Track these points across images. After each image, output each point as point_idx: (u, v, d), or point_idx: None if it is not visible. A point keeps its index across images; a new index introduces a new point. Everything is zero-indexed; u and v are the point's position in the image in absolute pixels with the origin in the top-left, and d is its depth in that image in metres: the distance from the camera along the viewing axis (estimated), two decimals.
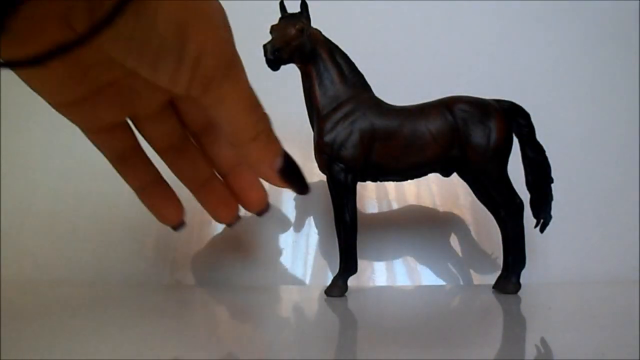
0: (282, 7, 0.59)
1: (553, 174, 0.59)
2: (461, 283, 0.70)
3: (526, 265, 0.58)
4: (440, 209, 0.76)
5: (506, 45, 0.85)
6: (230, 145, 0.23)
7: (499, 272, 0.61)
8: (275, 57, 0.55)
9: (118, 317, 0.47)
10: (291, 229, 0.74)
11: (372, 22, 0.85)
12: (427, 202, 0.76)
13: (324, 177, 0.60)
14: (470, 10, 0.86)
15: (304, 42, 0.56)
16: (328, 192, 0.59)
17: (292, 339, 0.39)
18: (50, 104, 0.22)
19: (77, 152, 0.76)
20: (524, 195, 0.59)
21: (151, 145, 0.26)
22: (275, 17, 0.58)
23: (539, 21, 0.86)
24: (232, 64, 0.20)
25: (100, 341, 0.38)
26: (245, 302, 0.57)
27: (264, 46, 0.55)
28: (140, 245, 0.73)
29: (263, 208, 0.27)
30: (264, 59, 0.54)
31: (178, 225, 0.28)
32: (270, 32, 0.57)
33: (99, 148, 0.25)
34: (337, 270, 0.57)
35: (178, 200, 0.27)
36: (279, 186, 0.24)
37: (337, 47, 0.60)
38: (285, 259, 0.72)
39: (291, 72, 0.59)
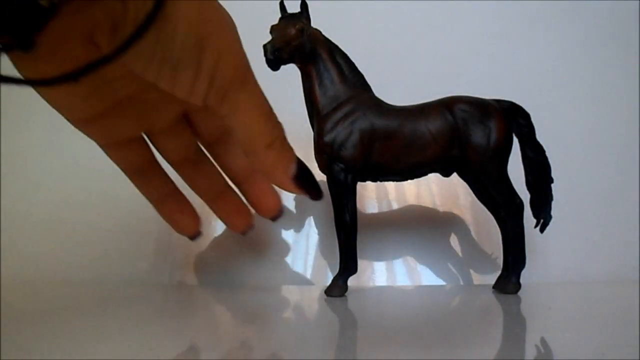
0: (282, 7, 0.59)
1: (553, 174, 0.59)
2: (461, 283, 0.70)
3: (526, 265, 0.58)
4: (440, 209, 0.76)
5: (506, 45, 0.85)
6: (244, 153, 0.23)
7: (499, 272, 0.60)
8: (275, 57, 0.55)
9: (118, 317, 0.47)
10: (291, 229, 0.74)
11: (372, 22, 0.85)
12: (427, 202, 0.76)
13: (324, 177, 0.60)
14: (470, 10, 0.86)
15: (304, 42, 0.56)
16: (328, 192, 0.59)
17: (292, 339, 0.39)
18: (69, 120, 0.22)
19: (77, 152, 0.76)
20: (524, 195, 0.59)
21: (166, 159, 0.27)
22: (275, 17, 0.58)
23: (539, 21, 0.86)
24: (247, 74, 0.21)
25: (100, 341, 0.38)
26: (245, 302, 0.57)
27: (264, 46, 0.55)
28: (140, 246, 0.73)
29: (277, 214, 0.28)
30: (263, 59, 0.54)
31: (195, 235, 0.28)
32: (270, 32, 0.57)
33: (115, 162, 0.25)
34: (337, 270, 0.57)
35: (194, 211, 0.28)
36: (293, 192, 0.24)
37: (337, 47, 0.60)
38: (285, 259, 0.72)
39: (291, 72, 0.59)
